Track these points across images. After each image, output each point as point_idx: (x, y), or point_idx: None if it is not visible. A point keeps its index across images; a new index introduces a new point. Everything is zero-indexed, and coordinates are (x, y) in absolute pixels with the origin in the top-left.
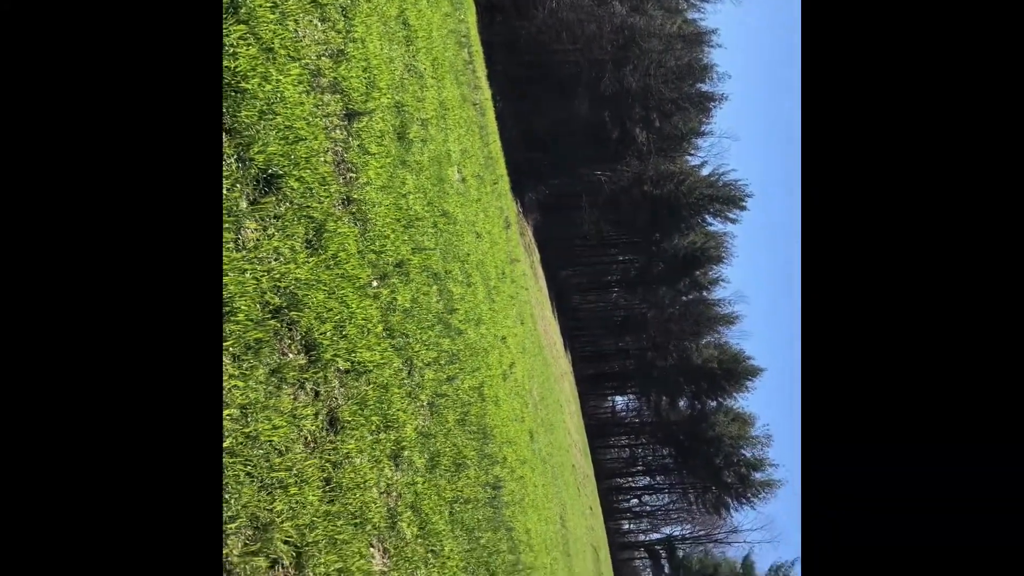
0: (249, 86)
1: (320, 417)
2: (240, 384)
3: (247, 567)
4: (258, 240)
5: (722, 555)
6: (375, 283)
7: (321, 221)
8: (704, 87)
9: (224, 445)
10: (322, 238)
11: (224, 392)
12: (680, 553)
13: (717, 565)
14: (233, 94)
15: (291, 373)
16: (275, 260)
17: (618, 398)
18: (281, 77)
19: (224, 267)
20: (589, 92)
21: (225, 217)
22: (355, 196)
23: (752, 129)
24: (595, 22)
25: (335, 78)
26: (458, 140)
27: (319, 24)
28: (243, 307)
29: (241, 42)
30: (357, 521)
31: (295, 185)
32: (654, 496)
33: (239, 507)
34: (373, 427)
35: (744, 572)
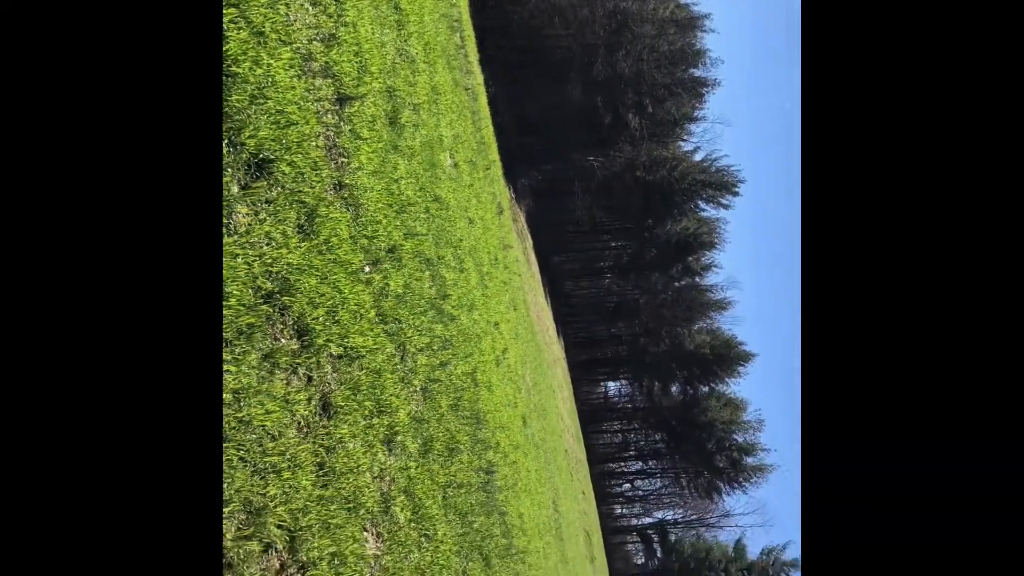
0: (240, 70)
1: (313, 402)
2: (233, 369)
3: (241, 551)
4: (250, 225)
5: (714, 539)
6: (367, 268)
7: (313, 206)
8: (697, 72)
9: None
10: (314, 223)
11: None
12: (672, 537)
13: (709, 549)
14: (224, 78)
15: (284, 358)
16: (267, 245)
17: (611, 384)
18: (272, 61)
19: None
20: (582, 77)
21: None
22: (347, 181)
23: (745, 115)
24: (587, 6)
25: (326, 62)
26: (450, 125)
27: (310, 8)
28: (235, 292)
29: (232, 25)
30: (350, 505)
31: (287, 170)
32: (646, 481)
33: (232, 491)
34: (366, 412)
35: (736, 556)
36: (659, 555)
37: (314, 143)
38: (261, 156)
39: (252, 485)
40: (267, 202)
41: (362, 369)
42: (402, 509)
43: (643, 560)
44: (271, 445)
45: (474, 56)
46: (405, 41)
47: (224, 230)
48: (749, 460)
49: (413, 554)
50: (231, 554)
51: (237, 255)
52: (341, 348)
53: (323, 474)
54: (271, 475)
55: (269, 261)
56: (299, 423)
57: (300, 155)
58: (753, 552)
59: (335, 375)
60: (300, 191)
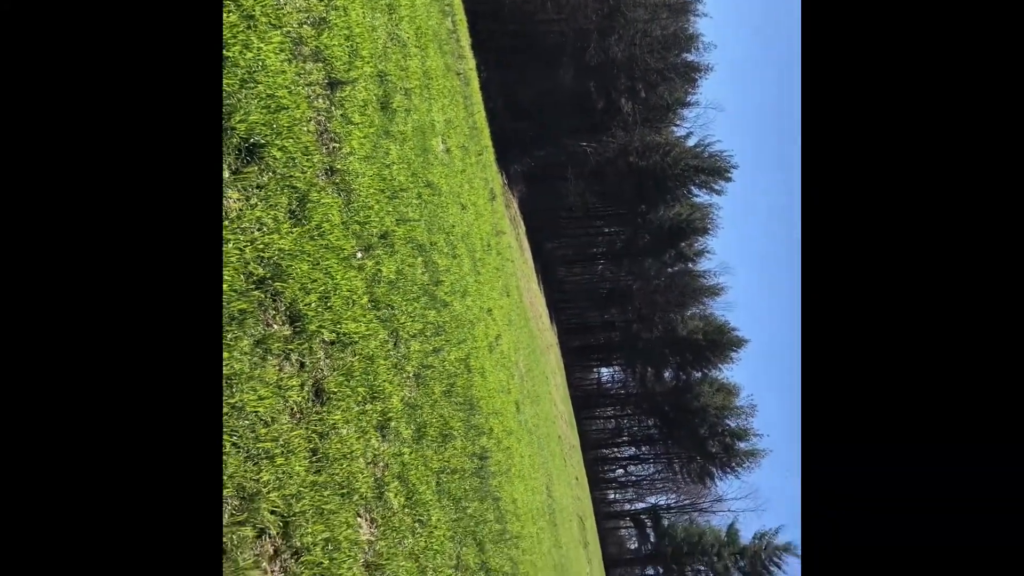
0: (230, 54)
1: (306, 388)
2: (225, 355)
3: (234, 537)
4: (241, 210)
5: (707, 524)
6: (360, 254)
7: (304, 191)
8: (690, 57)
9: None
10: (305, 208)
11: None
12: (665, 522)
13: (702, 533)
14: None
15: (276, 344)
16: (258, 230)
17: (604, 370)
18: (262, 45)
19: None
20: (574, 62)
21: None
22: (338, 166)
23: (738, 100)
24: None
25: (317, 47)
26: (442, 110)
27: None
28: (227, 278)
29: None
30: (344, 491)
31: (277, 155)
32: (639, 466)
33: (225, 477)
34: (359, 398)
35: (729, 540)
36: (652, 540)
37: (305, 128)
38: (252, 141)
39: (245, 471)
40: (258, 187)
41: (355, 355)
42: (396, 495)
43: (636, 545)
44: (264, 431)
45: (466, 41)
46: (396, 25)
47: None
48: (741, 445)
49: (407, 539)
50: (225, 540)
51: (228, 240)
52: (334, 334)
53: (316, 460)
54: (264, 461)
55: (260, 247)
56: (292, 409)
57: (291, 140)
58: (746, 536)
59: (328, 361)
60: (291, 176)
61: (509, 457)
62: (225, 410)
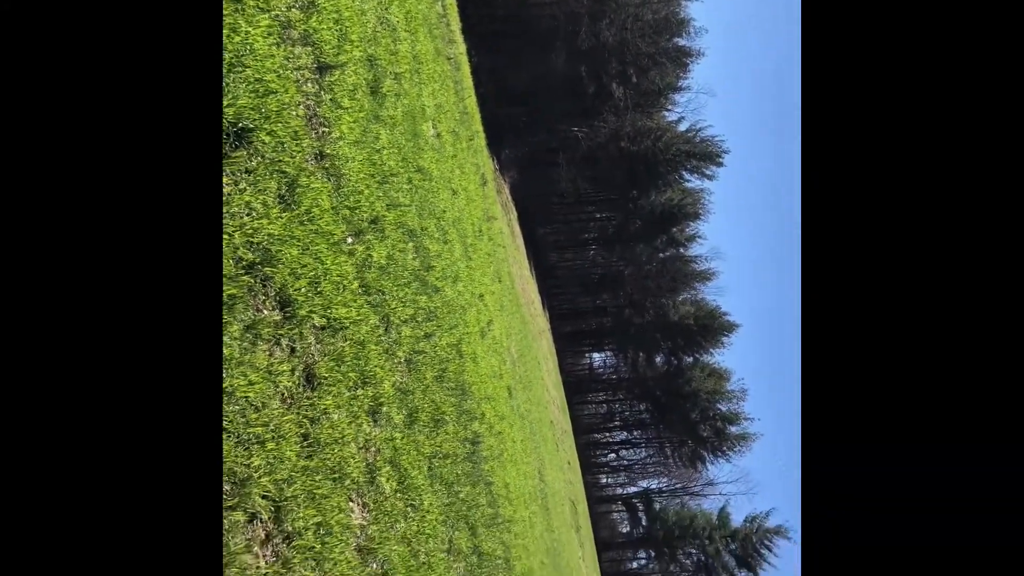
0: None
1: (296, 373)
2: None
3: (226, 521)
4: (229, 195)
5: (698, 507)
6: (350, 239)
7: (294, 176)
8: (681, 41)
9: None
10: (295, 193)
11: None
12: (657, 506)
13: (693, 517)
14: None
15: (266, 329)
16: (247, 215)
17: (596, 355)
18: (250, 29)
19: None
20: (565, 47)
21: None
22: (328, 151)
23: (729, 85)
24: None
25: (306, 30)
26: (432, 95)
27: None
28: None
29: None
30: (335, 476)
31: (266, 139)
32: (631, 450)
33: None
34: (350, 383)
35: (720, 523)
36: (644, 523)
37: (294, 112)
38: (240, 125)
39: (236, 456)
40: (247, 172)
41: (346, 340)
42: (388, 479)
43: (628, 528)
44: (254, 416)
45: (456, 25)
46: (386, 9)
47: None
48: (733, 429)
49: (399, 524)
50: None
51: None
52: (324, 319)
53: (307, 445)
54: (255, 446)
55: (250, 232)
56: (282, 394)
57: (280, 124)
58: (737, 520)
59: (318, 346)
60: (280, 161)
61: (501, 442)
62: None
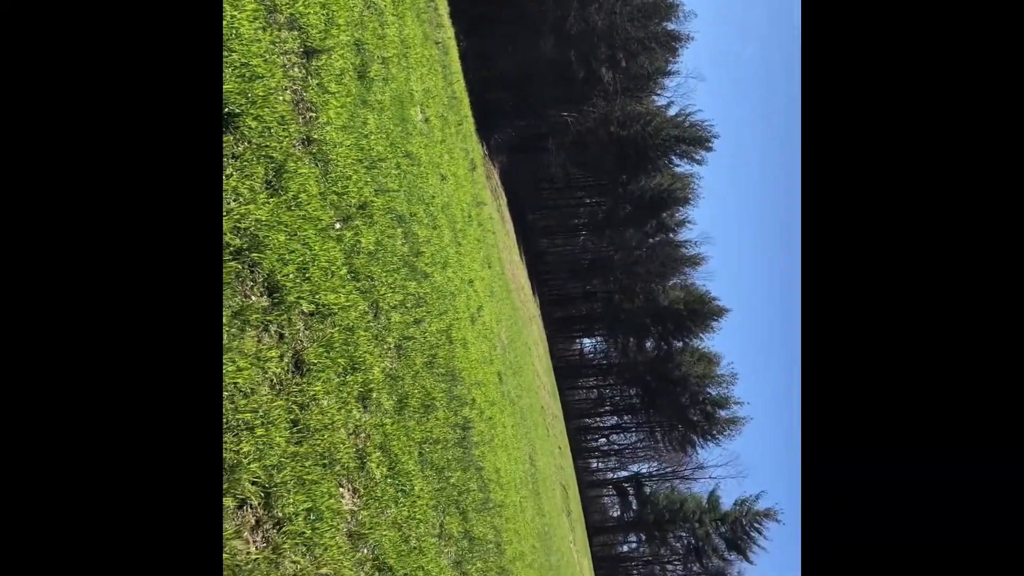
0: None
1: (285, 359)
2: None
3: None
4: None
5: (688, 491)
6: (338, 225)
7: (281, 161)
8: (670, 26)
9: None
10: (282, 179)
11: None
12: (647, 490)
13: (683, 500)
14: None
15: (254, 315)
16: (234, 201)
17: (586, 340)
18: (236, 12)
19: None
20: (554, 31)
21: None
22: (315, 136)
23: (719, 70)
24: None
25: (292, 14)
26: (420, 79)
27: None
28: None
29: None
30: (325, 462)
31: (253, 124)
32: (622, 435)
33: None
34: (340, 369)
35: (710, 507)
36: (634, 507)
37: (281, 97)
38: (226, 110)
39: (225, 442)
40: (233, 157)
41: (335, 326)
42: (378, 465)
43: (619, 512)
44: (243, 402)
45: (444, 9)
46: None
47: None
48: (722, 413)
49: (390, 509)
50: None
51: None
52: (313, 305)
53: (297, 431)
54: (244, 432)
55: (237, 217)
56: (271, 380)
57: (267, 109)
58: (727, 503)
59: (307, 332)
60: (267, 146)
61: (492, 427)
62: None
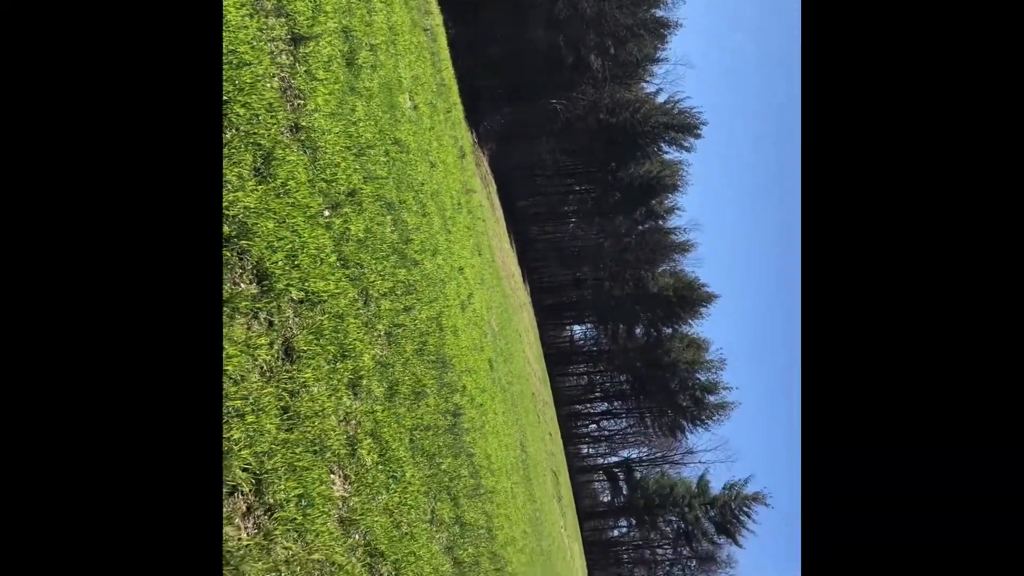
0: None
1: (275, 347)
2: None
3: None
4: None
5: (678, 476)
6: (327, 212)
7: (269, 148)
8: (659, 12)
9: None
10: (270, 166)
11: None
12: (637, 475)
13: (673, 485)
14: None
15: (243, 303)
16: (223, 188)
17: (576, 327)
18: None
19: None
20: (543, 18)
21: None
22: (303, 123)
23: (706, 57)
24: None
25: (279, 1)
26: (409, 66)
27: None
28: None
29: None
30: (316, 448)
31: (240, 111)
32: (612, 421)
33: None
34: (330, 356)
35: (699, 491)
36: (625, 492)
37: (268, 84)
38: None
39: None
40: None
41: (324, 314)
42: (369, 452)
43: (609, 498)
44: (233, 389)
45: None
46: None
47: None
48: (711, 398)
49: (381, 495)
50: None
51: None
52: (302, 292)
53: (288, 418)
54: (234, 419)
55: (225, 204)
56: (261, 367)
57: (254, 96)
58: (716, 487)
59: (297, 320)
60: (255, 133)
61: (482, 414)
62: None
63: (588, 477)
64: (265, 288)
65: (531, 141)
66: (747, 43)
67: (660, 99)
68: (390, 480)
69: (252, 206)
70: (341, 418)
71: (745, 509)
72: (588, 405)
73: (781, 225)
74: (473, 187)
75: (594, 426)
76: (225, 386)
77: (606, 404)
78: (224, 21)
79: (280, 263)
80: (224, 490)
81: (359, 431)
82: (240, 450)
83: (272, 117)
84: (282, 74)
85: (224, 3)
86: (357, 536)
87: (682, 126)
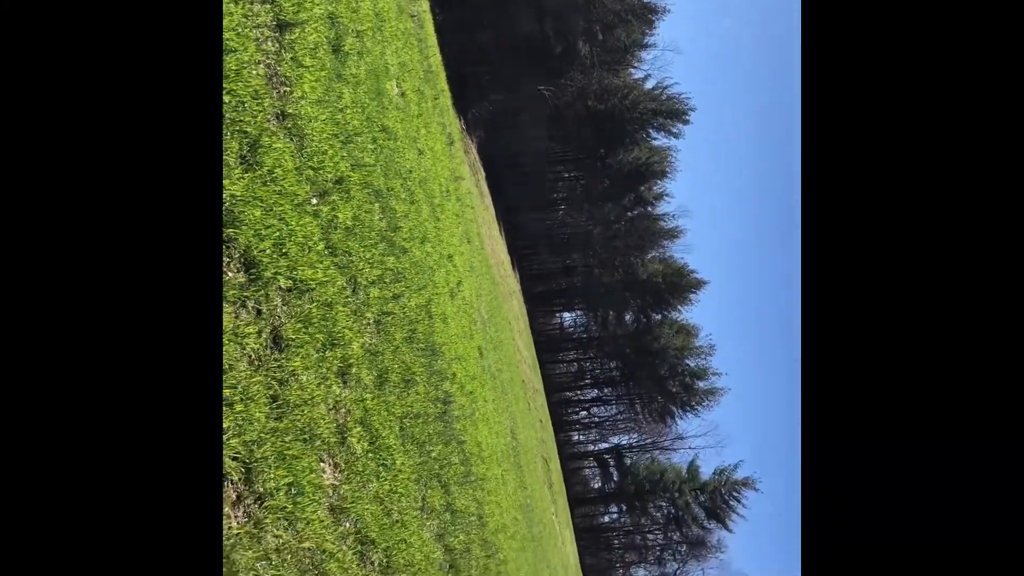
0: None
1: (263, 335)
2: None
3: None
4: None
5: (668, 461)
6: (314, 200)
7: (255, 136)
8: None
9: None
10: (257, 153)
11: None
12: (628, 461)
13: (663, 471)
14: None
15: (231, 291)
16: None
17: (566, 314)
18: None
19: None
20: (531, 3)
21: None
22: (290, 110)
23: (694, 43)
24: None
25: None
26: (396, 53)
27: None
28: None
29: None
30: (306, 437)
31: (226, 99)
32: (602, 408)
33: None
34: (319, 345)
35: (689, 477)
36: (615, 479)
37: (254, 71)
38: None
39: None
40: None
41: (313, 302)
42: (359, 440)
43: (600, 484)
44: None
45: None
46: None
47: None
48: (701, 384)
49: (371, 483)
50: None
51: None
52: (290, 281)
53: (277, 406)
54: (224, 408)
55: None
56: (250, 356)
57: (240, 83)
58: (706, 472)
59: (285, 308)
60: (241, 120)
61: (473, 401)
62: None
63: (579, 464)
64: (253, 276)
65: (520, 128)
66: (735, 29)
67: (648, 85)
68: (380, 468)
69: (239, 194)
70: (331, 406)
71: (735, 494)
72: (578, 392)
73: (770, 211)
74: (462, 174)
75: (584, 413)
76: None
77: (596, 391)
78: None
79: (268, 251)
80: None
81: (349, 419)
82: (229, 439)
83: (258, 104)
84: (268, 61)
85: None
86: (348, 524)
87: (670, 112)
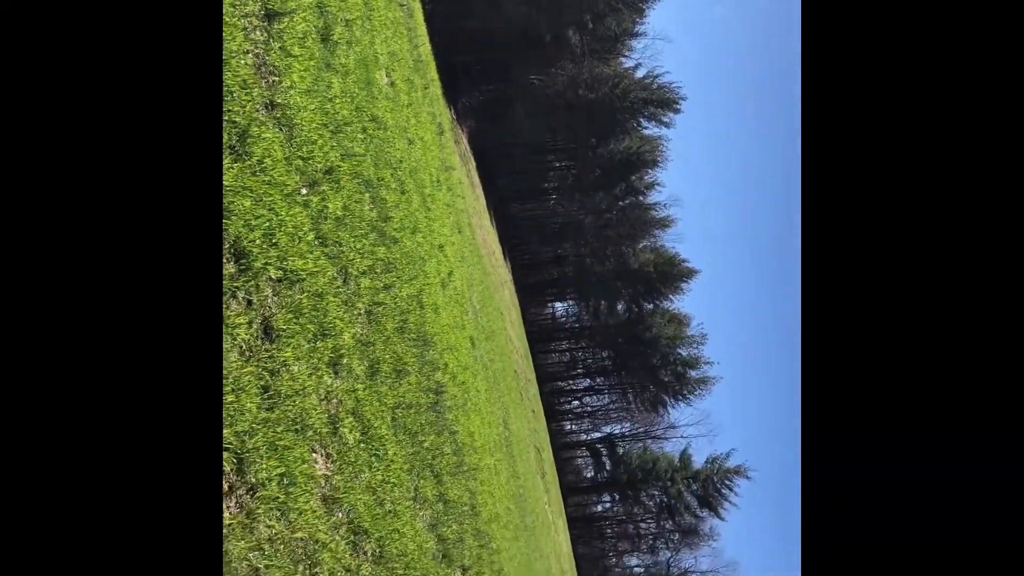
0: None
1: (254, 326)
2: None
3: None
4: None
5: (660, 450)
6: (304, 190)
7: (244, 126)
8: None
9: None
10: (246, 143)
11: None
12: (620, 450)
13: (656, 460)
14: None
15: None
16: None
17: (558, 304)
18: None
19: None
20: None
21: None
22: (279, 100)
23: (685, 32)
24: None
25: None
26: (385, 42)
27: None
28: None
29: None
30: (297, 427)
31: None
32: (594, 397)
33: None
34: (309, 335)
35: (682, 465)
36: (608, 468)
37: (243, 61)
38: None
39: None
40: None
41: (303, 292)
42: (351, 430)
43: (592, 473)
44: None
45: None
46: None
47: None
48: (693, 373)
49: (364, 473)
50: None
51: None
52: (280, 271)
53: (268, 397)
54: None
55: None
56: (240, 347)
57: (228, 73)
58: (698, 461)
59: (275, 298)
60: (230, 110)
61: (465, 392)
62: None
63: (571, 453)
64: (243, 267)
65: (510, 118)
66: (726, 17)
67: (639, 74)
68: (372, 458)
69: (228, 184)
70: (322, 397)
71: (727, 483)
72: (570, 382)
73: (762, 200)
74: (452, 164)
75: (577, 402)
76: None
77: (588, 380)
78: None
79: (258, 242)
80: None
81: (340, 410)
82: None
83: (247, 94)
84: (256, 50)
85: None
86: (340, 514)
87: (661, 101)
